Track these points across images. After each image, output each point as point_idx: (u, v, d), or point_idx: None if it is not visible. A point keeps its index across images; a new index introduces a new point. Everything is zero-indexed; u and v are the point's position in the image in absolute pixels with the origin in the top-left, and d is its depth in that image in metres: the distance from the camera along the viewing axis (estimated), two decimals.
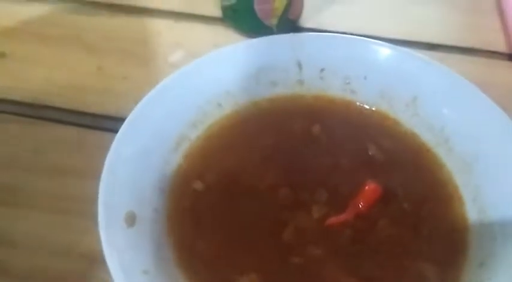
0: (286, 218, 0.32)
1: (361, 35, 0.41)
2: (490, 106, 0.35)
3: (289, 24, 0.50)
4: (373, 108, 0.39)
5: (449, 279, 0.30)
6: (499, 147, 0.33)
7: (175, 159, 0.35)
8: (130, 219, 0.29)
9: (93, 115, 0.44)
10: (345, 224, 0.32)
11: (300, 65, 0.39)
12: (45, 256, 0.35)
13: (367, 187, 0.33)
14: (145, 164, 0.32)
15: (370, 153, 0.36)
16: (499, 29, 0.51)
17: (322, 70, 0.40)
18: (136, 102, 0.35)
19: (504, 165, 0.32)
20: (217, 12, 0.52)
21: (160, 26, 0.52)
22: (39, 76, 0.47)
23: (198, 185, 0.34)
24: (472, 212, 0.33)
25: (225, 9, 0.50)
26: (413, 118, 0.38)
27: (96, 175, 0.31)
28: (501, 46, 0.50)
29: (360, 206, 0.32)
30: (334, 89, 0.40)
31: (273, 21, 0.48)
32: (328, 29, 0.51)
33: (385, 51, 0.38)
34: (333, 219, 0.32)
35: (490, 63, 0.48)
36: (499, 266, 0.29)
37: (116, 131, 0.34)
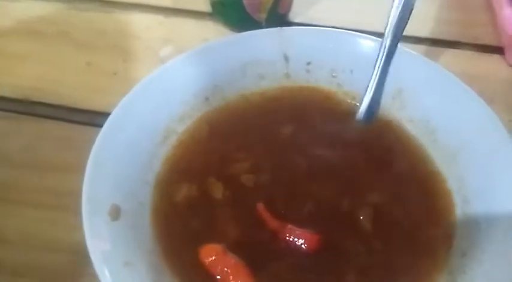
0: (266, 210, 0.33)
1: (350, 29, 0.41)
2: (474, 98, 0.35)
3: (279, 18, 0.50)
4: (357, 104, 0.39)
5: (430, 269, 0.30)
6: (483, 139, 0.33)
7: (162, 153, 0.35)
8: (115, 213, 0.29)
9: (83, 111, 0.44)
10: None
11: (286, 59, 0.40)
12: (35, 251, 0.35)
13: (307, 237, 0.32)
14: (131, 157, 0.33)
15: (354, 147, 0.37)
16: (487, 23, 0.51)
17: (308, 63, 0.40)
18: None
19: (487, 156, 0.33)
20: (206, 8, 0.52)
21: (150, 22, 0.52)
22: (29, 72, 0.47)
23: (184, 179, 0.34)
24: (457, 203, 0.33)
25: (214, 4, 0.51)
26: (400, 111, 0.38)
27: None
28: (489, 40, 0.50)
29: (304, 246, 0.31)
30: (320, 82, 0.40)
31: (262, 16, 0.48)
32: (318, 23, 0.51)
33: (370, 44, 0.39)
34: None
35: (477, 57, 0.49)
36: (482, 256, 0.29)
37: None
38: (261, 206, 0.33)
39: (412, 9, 0.37)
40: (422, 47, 0.49)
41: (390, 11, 0.37)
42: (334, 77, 0.40)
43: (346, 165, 0.35)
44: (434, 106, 0.36)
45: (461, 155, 0.34)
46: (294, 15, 0.52)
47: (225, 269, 0.30)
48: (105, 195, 0.29)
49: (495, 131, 0.33)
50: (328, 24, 0.51)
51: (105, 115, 0.34)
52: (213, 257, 0.30)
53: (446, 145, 0.35)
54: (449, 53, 0.49)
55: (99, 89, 0.46)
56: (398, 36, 0.37)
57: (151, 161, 0.34)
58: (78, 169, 0.32)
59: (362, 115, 0.38)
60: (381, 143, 0.37)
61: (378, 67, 0.37)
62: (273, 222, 0.32)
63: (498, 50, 0.49)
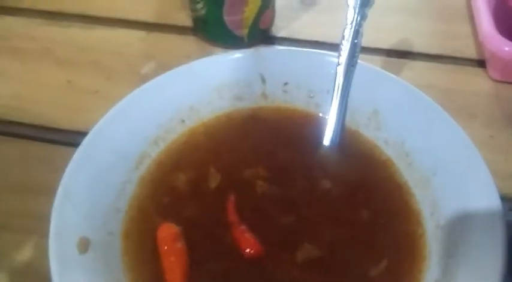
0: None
1: (333, 44, 0.40)
2: (448, 122, 0.35)
3: (260, 33, 0.50)
4: None
5: None
6: (457, 163, 0.33)
7: (135, 178, 0.35)
8: (83, 246, 0.29)
9: (64, 131, 0.44)
10: None
11: (263, 79, 0.40)
12: (3, 274, 0.35)
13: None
14: (103, 184, 0.32)
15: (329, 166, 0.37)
16: (469, 35, 0.51)
17: (285, 84, 0.40)
18: None
19: (461, 181, 0.33)
20: (190, 22, 0.52)
21: (132, 38, 0.52)
22: (8, 91, 0.47)
23: (157, 205, 0.34)
24: (430, 227, 0.33)
25: (195, 20, 0.51)
26: (375, 132, 0.38)
27: None
28: (470, 53, 0.50)
29: (247, 251, 0.32)
30: (298, 102, 0.40)
31: (244, 31, 0.48)
32: (300, 37, 0.51)
33: None
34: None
35: (458, 70, 0.49)
36: (455, 277, 0.29)
37: None
38: (232, 198, 0.34)
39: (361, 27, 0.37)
40: (403, 61, 0.49)
41: (344, 29, 0.37)
42: (311, 97, 0.40)
43: (316, 188, 0.36)
44: (408, 128, 0.36)
45: (435, 179, 0.34)
46: (277, 29, 0.52)
47: (171, 258, 0.31)
48: (74, 228, 0.29)
49: (468, 153, 0.33)
50: (311, 39, 0.51)
51: (86, 135, 0.34)
52: (166, 247, 0.32)
53: (420, 168, 0.35)
54: (431, 67, 0.49)
55: (80, 107, 0.45)
56: (356, 53, 0.37)
57: (123, 186, 0.34)
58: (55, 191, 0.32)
59: (329, 139, 0.38)
60: (354, 165, 0.37)
61: (338, 88, 0.37)
62: (233, 216, 0.33)
63: (480, 64, 0.49)
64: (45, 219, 0.35)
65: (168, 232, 0.32)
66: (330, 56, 0.39)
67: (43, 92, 0.47)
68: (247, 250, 0.32)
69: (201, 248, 0.32)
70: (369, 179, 0.36)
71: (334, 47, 0.39)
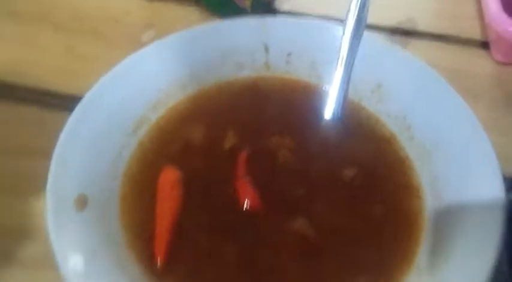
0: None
1: (337, 19, 0.40)
2: (452, 95, 0.34)
3: (264, 6, 0.49)
4: None
5: (398, 266, 0.30)
6: (458, 137, 0.33)
7: (133, 141, 0.34)
8: (81, 203, 0.28)
9: (61, 95, 0.43)
10: None
11: (266, 48, 0.39)
12: None
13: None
14: (101, 146, 0.32)
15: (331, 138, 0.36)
16: (475, 16, 0.51)
17: (289, 54, 0.39)
18: None
19: (462, 155, 0.32)
20: None
21: (132, 6, 0.51)
22: (6, 54, 0.46)
23: (155, 167, 0.34)
24: (429, 200, 0.33)
25: None
26: (378, 104, 0.38)
27: None
28: (475, 34, 0.49)
29: (246, 204, 0.32)
30: (300, 73, 0.39)
31: (247, 3, 0.47)
32: (304, 11, 0.50)
33: None
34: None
35: (462, 51, 0.48)
36: (451, 254, 0.29)
37: None
38: (244, 154, 0.34)
39: None
40: (407, 40, 0.49)
41: None
42: (314, 68, 0.39)
43: (335, 174, 0.35)
44: (411, 101, 0.36)
45: (436, 152, 0.34)
46: (280, 3, 0.51)
47: (164, 203, 0.32)
48: (71, 185, 0.29)
49: (470, 128, 0.33)
50: (314, 13, 0.51)
51: None
52: (163, 193, 0.32)
53: (421, 142, 0.35)
54: (435, 47, 0.48)
55: (78, 73, 0.45)
56: (362, 26, 0.37)
57: (121, 150, 0.34)
58: (50, 155, 0.31)
59: (331, 112, 0.38)
60: (355, 138, 0.37)
61: (341, 59, 0.37)
62: (241, 169, 0.33)
63: (484, 45, 0.48)
64: (41, 180, 0.35)
65: (168, 177, 0.33)
66: (335, 27, 0.38)
67: (42, 55, 0.46)
68: (246, 201, 0.32)
69: (199, 197, 0.32)
70: (370, 154, 0.36)
71: (338, 22, 0.38)
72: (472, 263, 0.28)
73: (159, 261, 0.30)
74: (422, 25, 0.50)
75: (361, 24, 0.37)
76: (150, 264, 0.30)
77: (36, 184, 0.36)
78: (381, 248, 0.32)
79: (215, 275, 0.30)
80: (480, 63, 0.47)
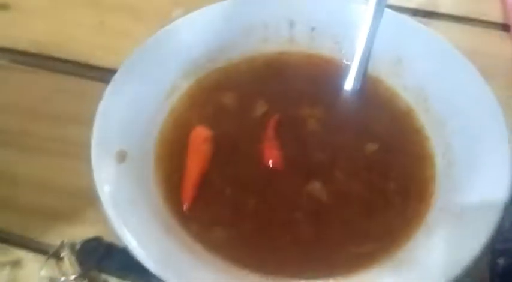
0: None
1: None
2: (470, 69, 0.36)
3: None
4: None
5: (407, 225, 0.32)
6: (473, 109, 0.34)
7: (166, 107, 0.37)
8: (121, 157, 0.31)
9: (96, 67, 0.46)
10: None
11: (291, 23, 0.41)
12: (43, 194, 0.38)
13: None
14: (137, 109, 0.35)
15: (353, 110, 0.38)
16: None
17: (313, 29, 0.41)
18: None
19: (475, 125, 0.34)
20: None
21: None
22: (43, 28, 0.49)
23: (186, 129, 0.36)
24: (440, 165, 0.34)
25: None
26: (396, 78, 0.39)
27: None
28: (496, 16, 0.50)
29: (270, 163, 0.35)
30: (323, 47, 0.41)
31: None
32: None
33: None
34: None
35: (483, 33, 0.49)
36: (461, 209, 0.31)
37: None
38: (275, 118, 0.37)
39: None
40: (429, 21, 0.50)
41: None
42: (336, 43, 0.41)
43: (340, 129, 0.37)
44: (430, 74, 0.37)
45: (452, 123, 0.35)
46: None
47: (194, 157, 0.35)
48: (112, 141, 0.32)
49: (487, 103, 0.34)
50: None
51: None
52: (193, 147, 0.35)
53: (437, 113, 0.36)
54: (455, 28, 0.49)
55: (111, 47, 0.47)
56: (383, 3, 0.38)
57: (155, 113, 0.36)
58: (88, 121, 0.33)
59: (350, 84, 0.39)
60: (374, 110, 0.39)
61: (363, 34, 0.38)
62: (269, 132, 0.36)
63: (504, 27, 0.49)
64: (77, 144, 0.38)
65: (200, 134, 0.36)
66: (358, 4, 0.40)
67: (77, 30, 0.49)
68: (270, 161, 0.35)
69: (227, 154, 0.35)
70: (389, 126, 0.38)
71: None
72: (480, 219, 0.29)
73: (185, 207, 0.33)
74: (443, 7, 0.51)
75: (383, 2, 0.38)
76: (178, 211, 0.33)
77: (75, 147, 0.38)
78: (390, 218, 0.33)
79: (234, 224, 0.33)
80: (499, 45, 0.48)
